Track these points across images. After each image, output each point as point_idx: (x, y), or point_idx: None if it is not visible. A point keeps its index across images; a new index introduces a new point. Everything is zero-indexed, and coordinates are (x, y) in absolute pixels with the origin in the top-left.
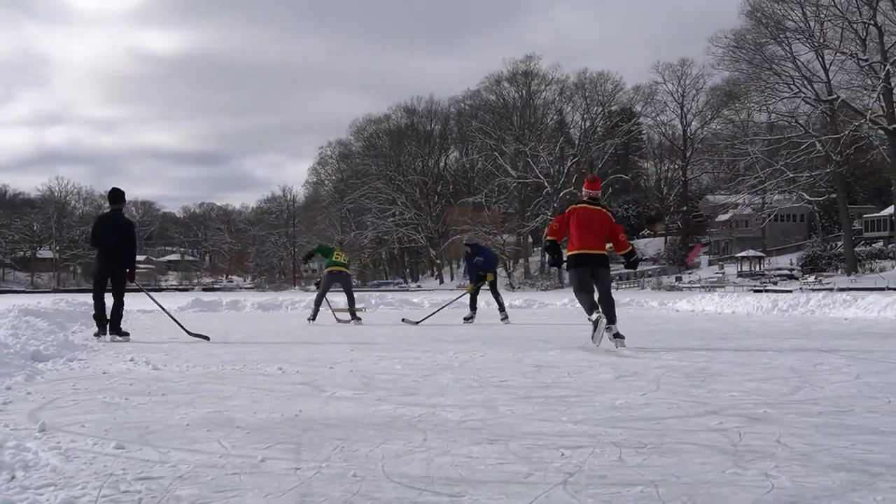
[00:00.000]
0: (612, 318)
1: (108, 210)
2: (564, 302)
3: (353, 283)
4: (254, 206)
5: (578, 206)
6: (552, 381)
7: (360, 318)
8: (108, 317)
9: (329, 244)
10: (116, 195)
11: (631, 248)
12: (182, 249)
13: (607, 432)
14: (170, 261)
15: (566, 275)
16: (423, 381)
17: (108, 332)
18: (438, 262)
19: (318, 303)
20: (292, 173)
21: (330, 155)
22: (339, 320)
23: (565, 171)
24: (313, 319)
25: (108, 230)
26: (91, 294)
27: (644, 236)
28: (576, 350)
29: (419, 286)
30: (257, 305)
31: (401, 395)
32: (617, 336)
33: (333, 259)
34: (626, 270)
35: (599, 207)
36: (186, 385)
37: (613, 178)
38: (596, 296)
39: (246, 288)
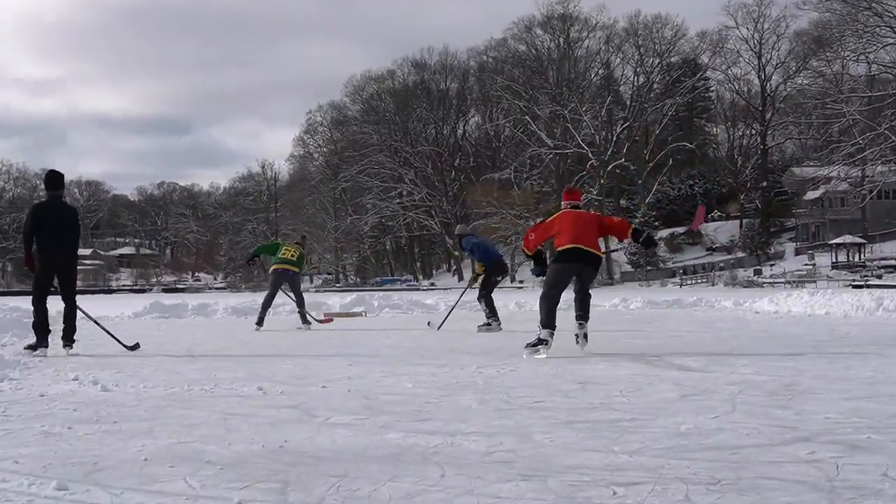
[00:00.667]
0: (586, 315)
1: (45, 198)
2: (614, 303)
3: (352, 281)
4: (226, 186)
5: (563, 210)
6: (601, 402)
7: (309, 323)
8: (63, 325)
9: (277, 240)
10: (55, 180)
11: (632, 226)
12: (137, 241)
13: (671, 465)
14: (122, 255)
15: (616, 271)
16: (439, 402)
17: (48, 345)
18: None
19: (264, 306)
20: (273, 145)
21: (320, 122)
22: (320, 321)
23: (614, 138)
24: (260, 325)
25: (52, 222)
26: (31, 298)
27: (714, 219)
28: (629, 361)
29: (433, 284)
30: (231, 310)
31: (411, 421)
32: (585, 336)
33: (280, 256)
34: (690, 262)
35: (582, 211)
36: (144, 410)
37: (674, 147)
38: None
39: (217, 288)
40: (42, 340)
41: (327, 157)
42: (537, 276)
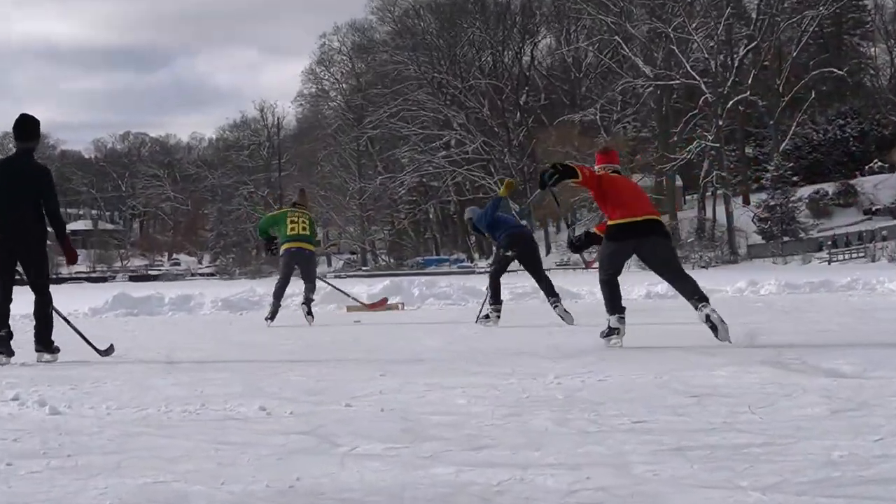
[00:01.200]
0: (704, 297)
1: (12, 154)
2: (739, 286)
3: (383, 262)
4: (212, 137)
5: (604, 172)
6: (722, 421)
7: (311, 315)
8: (35, 325)
9: (281, 209)
10: (27, 127)
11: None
12: (95, 213)
13: None
14: (74, 232)
15: (741, 244)
16: (503, 424)
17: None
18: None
19: (277, 295)
20: (276, 82)
21: (338, 49)
22: (368, 306)
23: (735, 64)
24: (272, 319)
25: (14, 184)
26: None
27: (872, 171)
28: (759, 365)
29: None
30: (222, 304)
31: (466, 450)
32: (720, 323)
33: (287, 232)
34: (842, 231)
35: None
36: (108, 439)
37: (818, 75)
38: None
39: (203, 274)
40: (2, 347)
41: (348, 97)
42: (572, 248)
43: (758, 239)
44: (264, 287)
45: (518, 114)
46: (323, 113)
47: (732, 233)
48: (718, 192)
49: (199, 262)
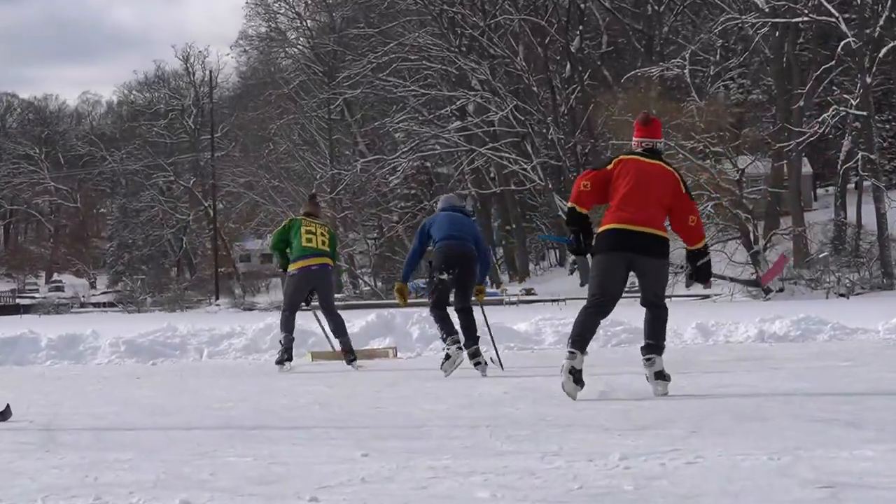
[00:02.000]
0: (656, 346)
1: None
2: (891, 325)
3: (366, 287)
4: (112, 100)
5: (629, 156)
6: None
7: (355, 360)
8: None
9: (293, 216)
10: None
11: (704, 242)
12: None
13: None
14: None
15: None
16: None
17: None
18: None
19: (287, 327)
20: (206, 17)
21: None
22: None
23: None
24: (285, 363)
25: None
26: None
27: None
28: None
29: (529, 292)
30: (125, 348)
31: None
32: (659, 377)
33: (303, 243)
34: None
35: (660, 162)
36: None
37: None
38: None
39: (98, 303)
40: None
41: (315, 40)
42: (573, 252)
43: None
44: (188, 323)
45: (568, 65)
46: (277, 64)
47: (886, 244)
48: (865, 183)
49: (93, 285)
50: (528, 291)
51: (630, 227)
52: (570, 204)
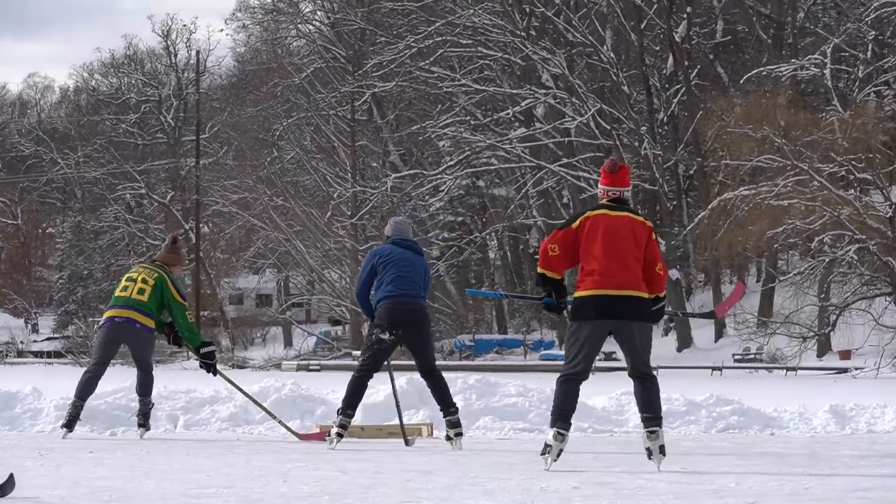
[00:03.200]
0: (656, 418)
1: None
2: None
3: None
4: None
5: (595, 212)
6: None
7: (147, 428)
8: None
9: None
10: None
11: (663, 293)
12: None
13: None
14: None
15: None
16: None
17: None
18: (687, 271)
19: (81, 392)
20: None
21: None
22: (301, 437)
23: None
24: (68, 430)
25: None
26: None
27: None
28: None
29: (610, 356)
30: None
31: None
32: (662, 451)
33: (116, 292)
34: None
35: (628, 214)
36: None
37: None
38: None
39: (42, 352)
40: None
41: (337, 14)
42: (549, 310)
43: None
44: (158, 383)
45: (671, 59)
46: (286, 45)
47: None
48: None
49: (35, 328)
50: (609, 356)
51: (611, 293)
52: (539, 270)
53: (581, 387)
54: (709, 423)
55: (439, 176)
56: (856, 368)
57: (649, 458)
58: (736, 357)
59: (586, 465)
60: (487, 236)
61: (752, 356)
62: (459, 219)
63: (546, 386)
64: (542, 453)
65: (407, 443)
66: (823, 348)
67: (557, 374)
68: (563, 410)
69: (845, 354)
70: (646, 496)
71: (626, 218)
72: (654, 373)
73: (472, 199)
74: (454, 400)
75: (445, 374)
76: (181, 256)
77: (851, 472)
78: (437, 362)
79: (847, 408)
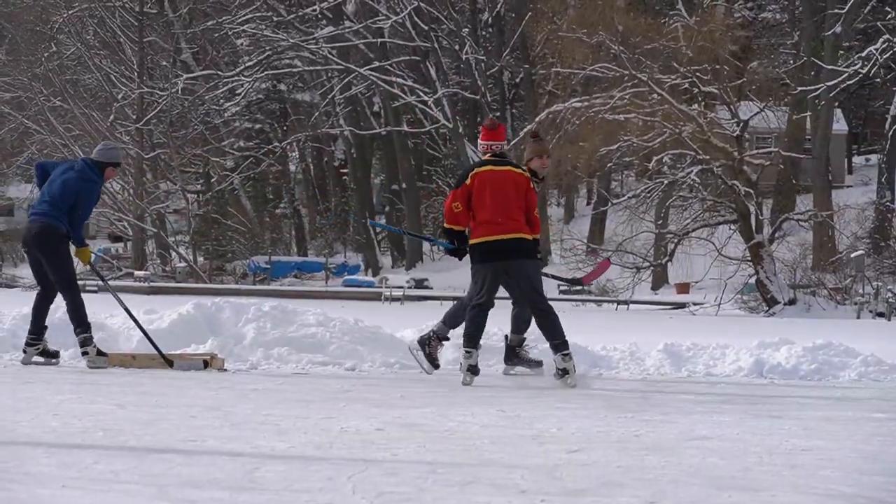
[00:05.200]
0: (564, 342)
1: None
2: None
3: (178, 265)
4: None
5: (482, 168)
6: None
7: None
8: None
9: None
10: None
11: (537, 237)
12: None
13: None
14: None
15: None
16: None
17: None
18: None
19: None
20: None
21: None
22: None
23: None
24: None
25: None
26: None
27: None
28: None
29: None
30: None
31: None
32: (564, 372)
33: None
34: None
35: (509, 167)
36: None
37: None
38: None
39: None
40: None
41: None
42: (453, 254)
43: None
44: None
45: None
46: None
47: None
48: None
49: None
50: (420, 283)
51: (501, 237)
52: (447, 226)
53: (489, 313)
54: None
55: (236, 78)
56: (694, 304)
57: (561, 378)
58: (562, 288)
59: (393, 403)
60: (288, 146)
61: (580, 287)
62: (258, 126)
63: (349, 315)
64: (462, 370)
65: (171, 366)
66: (659, 281)
67: (365, 302)
68: (473, 333)
69: (683, 288)
70: (457, 440)
71: (508, 171)
72: (550, 306)
73: (273, 105)
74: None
75: (238, 299)
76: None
77: (687, 418)
78: (231, 285)
79: (683, 347)
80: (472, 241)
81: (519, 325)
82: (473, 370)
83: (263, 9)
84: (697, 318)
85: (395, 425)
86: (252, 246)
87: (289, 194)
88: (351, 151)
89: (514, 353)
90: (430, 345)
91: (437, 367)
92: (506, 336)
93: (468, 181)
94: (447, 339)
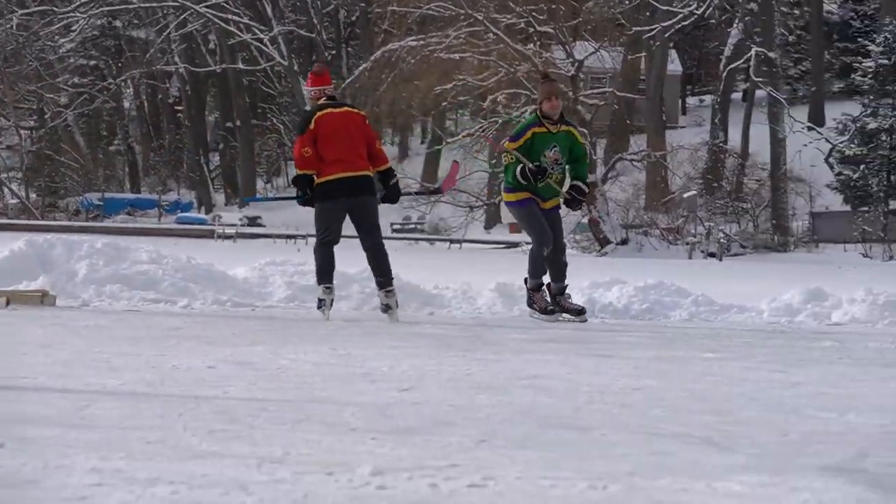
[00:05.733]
0: (390, 279)
1: None
2: (788, 301)
3: (14, 202)
4: None
5: (322, 112)
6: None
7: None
8: None
9: None
10: None
11: (389, 164)
12: None
13: None
14: None
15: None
16: None
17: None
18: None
19: None
20: None
21: None
22: None
23: None
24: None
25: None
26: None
27: None
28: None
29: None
30: None
31: None
32: (388, 307)
33: None
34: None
35: (346, 108)
36: None
37: None
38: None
39: None
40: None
41: None
42: (305, 204)
43: (836, 201)
44: None
45: None
46: None
47: (783, 185)
48: (759, 93)
49: None
50: (253, 221)
51: (353, 174)
52: (298, 172)
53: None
54: (361, 300)
55: (72, 14)
56: (527, 244)
57: (386, 313)
58: (395, 226)
59: (225, 341)
60: (123, 83)
61: (413, 226)
62: (92, 63)
63: (182, 252)
64: (318, 307)
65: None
66: (492, 220)
67: (198, 240)
68: (327, 269)
69: (516, 227)
70: (288, 378)
71: (346, 112)
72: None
73: (108, 42)
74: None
75: (70, 236)
76: None
77: (518, 357)
78: (64, 222)
79: (515, 287)
80: (323, 179)
81: (556, 273)
82: (331, 304)
83: None
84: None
85: (226, 363)
86: (85, 183)
87: (123, 131)
88: (186, 89)
89: (555, 301)
90: (535, 302)
91: (552, 311)
92: (547, 284)
93: (312, 126)
94: (542, 284)
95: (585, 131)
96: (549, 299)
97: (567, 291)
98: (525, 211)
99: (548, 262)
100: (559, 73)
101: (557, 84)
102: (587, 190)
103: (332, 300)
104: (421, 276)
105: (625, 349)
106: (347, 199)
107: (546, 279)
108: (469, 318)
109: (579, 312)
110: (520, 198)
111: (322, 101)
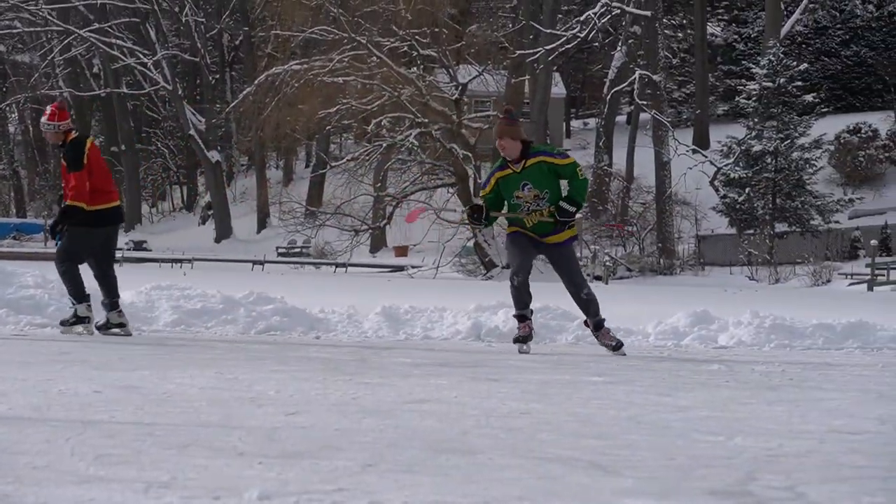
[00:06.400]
0: (115, 298)
1: None
2: (675, 324)
3: None
4: None
5: (88, 146)
6: None
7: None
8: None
9: None
10: None
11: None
12: None
13: None
14: None
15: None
16: None
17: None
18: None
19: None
20: None
21: None
22: None
23: None
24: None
25: None
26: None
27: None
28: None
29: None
30: None
31: None
32: (121, 325)
33: None
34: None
35: (91, 139)
36: None
37: None
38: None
39: None
40: None
41: None
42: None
43: (721, 223)
44: None
45: None
46: None
47: (668, 208)
48: (643, 116)
49: None
50: (139, 245)
51: (115, 205)
52: (76, 204)
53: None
54: (248, 324)
55: None
56: (413, 267)
57: (106, 330)
58: (280, 251)
59: (111, 366)
60: (7, 108)
61: (299, 250)
62: None
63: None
64: (77, 323)
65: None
66: (378, 243)
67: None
68: (80, 288)
69: (402, 251)
70: (175, 402)
71: (93, 145)
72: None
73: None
74: None
75: None
76: None
77: (404, 381)
78: None
79: (402, 310)
80: (95, 208)
81: (583, 310)
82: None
83: None
84: (416, 280)
85: (113, 387)
86: None
87: (8, 156)
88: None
89: (595, 337)
90: (601, 337)
91: (620, 344)
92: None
93: (84, 160)
94: (525, 315)
95: (469, 154)
96: (518, 329)
97: (606, 325)
98: (508, 241)
99: (574, 300)
100: (443, 97)
101: (513, 122)
102: (572, 209)
103: (122, 324)
104: (307, 300)
105: (512, 373)
106: (109, 227)
107: (534, 306)
108: (355, 342)
109: (615, 349)
110: (508, 231)
111: (73, 133)
